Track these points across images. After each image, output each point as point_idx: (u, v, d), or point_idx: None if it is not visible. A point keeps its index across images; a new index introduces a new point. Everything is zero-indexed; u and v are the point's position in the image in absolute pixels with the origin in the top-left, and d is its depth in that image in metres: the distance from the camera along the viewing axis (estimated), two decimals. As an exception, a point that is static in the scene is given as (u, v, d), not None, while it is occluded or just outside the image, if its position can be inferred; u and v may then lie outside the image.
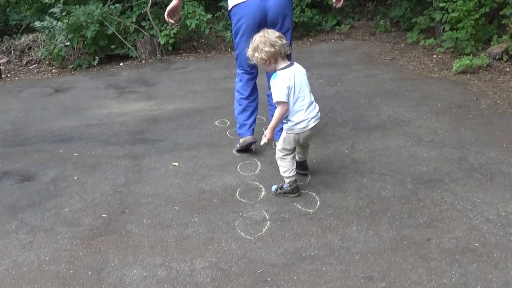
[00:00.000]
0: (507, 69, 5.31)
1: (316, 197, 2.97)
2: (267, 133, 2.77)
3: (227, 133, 4.19)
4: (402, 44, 7.16)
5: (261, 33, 2.76)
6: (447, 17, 5.96)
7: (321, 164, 3.40)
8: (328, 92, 5.17)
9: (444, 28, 6.15)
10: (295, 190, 2.97)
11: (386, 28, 8.06)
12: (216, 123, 4.48)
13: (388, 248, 2.42)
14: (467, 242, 2.42)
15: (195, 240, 2.62)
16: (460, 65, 5.30)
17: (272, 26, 3.26)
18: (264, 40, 2.69)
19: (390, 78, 5.52)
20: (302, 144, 3.00)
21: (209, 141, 4.05)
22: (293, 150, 2.95)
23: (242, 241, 2.58)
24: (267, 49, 2.68)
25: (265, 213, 2.83)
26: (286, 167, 2.94)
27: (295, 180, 2.97)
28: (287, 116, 2.80)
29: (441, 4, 6.00)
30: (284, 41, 2.73)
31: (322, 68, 6.26)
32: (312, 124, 2.82)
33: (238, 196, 3.06)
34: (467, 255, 2.32)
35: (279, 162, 2.97)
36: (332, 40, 8.07)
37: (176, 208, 2.98)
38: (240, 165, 3.48)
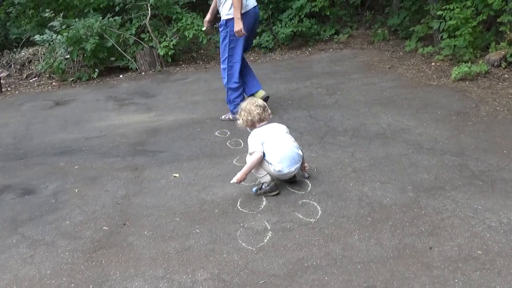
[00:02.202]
0: (506, 75, 5.33)
1: (317, 206, 2.96)
2: (239, 176, 3.08)
3: (227, 143, 4.19)
4: (401, 53, 7.19)
5: (246, 102, 3.31)
6: (445, 25, 6.00)
7: (321, 173, 3.40)
8: (328, 101, 5.19)
9: (442, 36, 6.18)
10: (273, 188, 3.14)
11: (384, 37, 8.10)
12: (216, 133, 4.49)
13: (390, 257, 2.41)
14: (470, 249, 2.41)
15: (197, 252, 2.61)
16: (458, 73, 5.32)
17: (254, 30, 4.77)
18: (245, 108, 3.26)
19: (389, 86, 5.54)
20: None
21: (210, 152, 4.05)
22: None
23: (243, 251, 2.57)
24: (245, 117, 3.26)
25: (266, 223, 2.82)
26: (259, 173, 3.17)
27: (272, 179, 3.15)
28: (270, 163, 3.13)
29: (439, 12, 6.04)
30: (261, 110, 3.23)
31: (321, 77, 6.28)
32: (288, 175, 3.18)
33: (239, 207, 3.06)
34: (469, 263, 2.31)
35: (253, 171, 3.18)
36: (331, 50, 8.11)
37: (177, 219, 2.98)
38: (241, 176, 3.48)
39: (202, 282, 2.35)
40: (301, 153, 3.22)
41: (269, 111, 3.31)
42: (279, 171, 3.10)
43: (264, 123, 3.26)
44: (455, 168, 3.30)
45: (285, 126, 3.32)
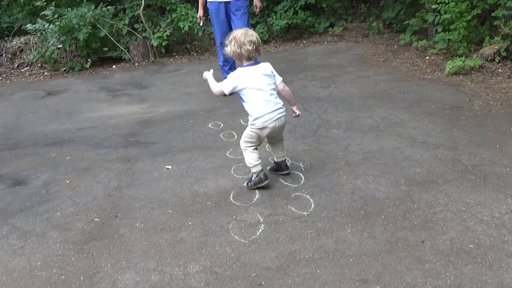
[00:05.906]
0: (499, 70, 5.33)
1: (310, 199, 2.96)
2: (209, 80, 3.26)
3: (221, 135, 4.17)
4: (395, 46, 7.18)
5: (241, 33, 3.03)
6: (440, 19, 5.98)
7: (315, 166, 3.39)
8: (322, 94, 5.17)
9: (436, 30, 6.17)
10: (263, 179, 3.09)
11: (379, 30, 8.08)
12: (209, 125, 4.46)
13: (383, 250, 2.41)
14: (461, 243, 2.42)
15: (189, 244, 2.60)
16: (452, 67, 5.32)
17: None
18: (238, 39, 3.00)
19: (383, 79, 5.53)
20: (268, 140, 3.21)
21: (203, 144, 4.03)
22: (255, 144, 3.13)
23: (236, 244, 2.57)
24: (234, 48, 3.01)
25: (259, 216, 2.82)
26: (249, 157, 3.11)
27: (261, 169, 3.11)
28: (248, 113, 3.06)
29: (434, 6, 6.02)
30: (252, 48, 2.99)
31: (316, 70, 6.26)
32: (271, 122, 3.02)
33: (232, 199, 3.05)
34: (461, 256, 2.32)
35: (244, 154, 3.15)
36: (325, 42, 8.08)
37: (170, 211, 2.96)
38: (234, 168, 3.47)
39: (194, 274, 2.34)
40: (280, 101, 3.11)
41: (261, 50, 3.12)
42: (254, 123, 3.03)
43: (251, 62, 3.05)
44: (448, 162, 3.30)
45: (271, 68, 3.13)
